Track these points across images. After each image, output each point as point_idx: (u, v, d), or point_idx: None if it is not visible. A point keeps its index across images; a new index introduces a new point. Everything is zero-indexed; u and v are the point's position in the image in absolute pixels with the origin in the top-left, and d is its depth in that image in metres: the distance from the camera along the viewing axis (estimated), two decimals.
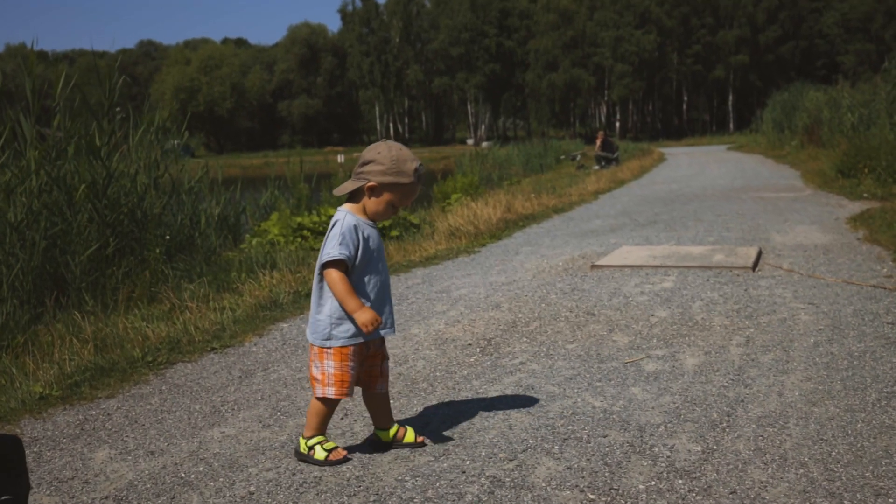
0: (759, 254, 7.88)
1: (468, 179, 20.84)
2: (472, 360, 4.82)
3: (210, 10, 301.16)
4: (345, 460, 3.33)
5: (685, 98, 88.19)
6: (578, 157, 34.48)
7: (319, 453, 3.32)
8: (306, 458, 3.34)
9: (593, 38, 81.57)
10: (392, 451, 3.45)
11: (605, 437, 3.53)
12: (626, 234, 10.17)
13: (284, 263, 8.12)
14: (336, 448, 3.36)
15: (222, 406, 4.17)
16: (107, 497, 3.10)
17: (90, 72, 7.87)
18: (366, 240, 3.27)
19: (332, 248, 3.21)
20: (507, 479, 3.12)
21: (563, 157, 37.02)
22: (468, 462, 3.29)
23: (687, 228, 10.46)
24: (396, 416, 3.88)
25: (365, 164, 3.27)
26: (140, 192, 8.09)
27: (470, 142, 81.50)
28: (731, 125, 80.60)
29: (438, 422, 3.78)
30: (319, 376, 3.30)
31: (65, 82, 8.08)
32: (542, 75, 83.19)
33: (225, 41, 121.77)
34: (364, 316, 3.15)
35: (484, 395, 4.14)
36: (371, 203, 3.30)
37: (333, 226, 3.27)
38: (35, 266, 6.64)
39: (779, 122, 35.68)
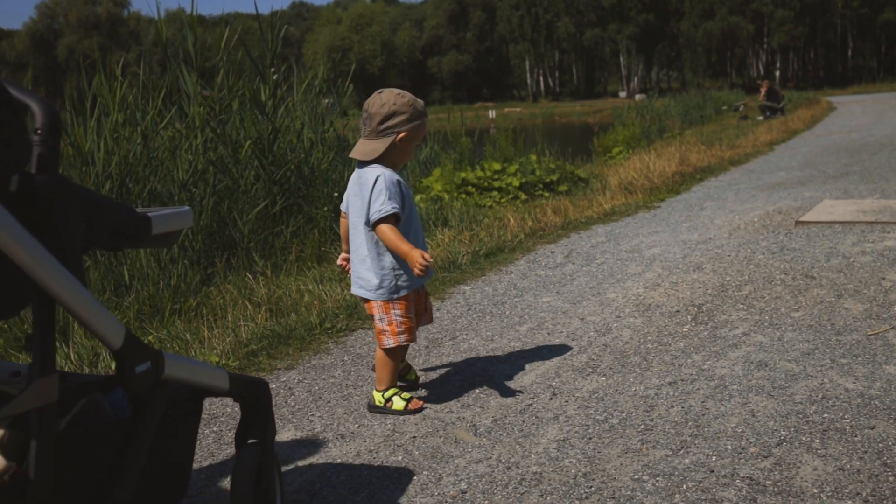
0: None
1: (629, 132, 20.05)
2: (684, 329, 4.25)
3: None
4: (422, 409, 3.38)
5: (850, 44, 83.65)
6: (741, 108, 33.05)
7: (398, 403, 3.38)
8: (383, 410, 3.38)
9: None
10: (619, 443, 2.92)
11: (872, 428, 2.93)
12: (819, 187, 9.30)
13: (456, 221, 7.68)
14: (413, 398, 3.42)
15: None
16: (298, 490, 2.71)
17: (247, 33, 7.66)
18: (406, 192, 3.33)
19: (382, 203, 3.23)
20: (769, 483, 2.57)
21: (724, 107, 35.59)
22: (714, 458, 2.74)
23: (887, 180, 9.50)
24: (613, 395, 3.37)
25: (387, 118, 3.30)
26: (307, 147, 7.77)
27: (623, 94, 79.47)
28: None
29: (665, 405, 3.24)
30: (388, 328, 3.34)
31: (227, 38, 7.83)
32: (698, 24, 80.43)
33: None
34: (418, 255, 3.13)
35: (710, 373, 3.58)
36: (399, 153, 3.34)
37: (375, 182, 3.25)
38: (204, 225, 6.39)
39: None
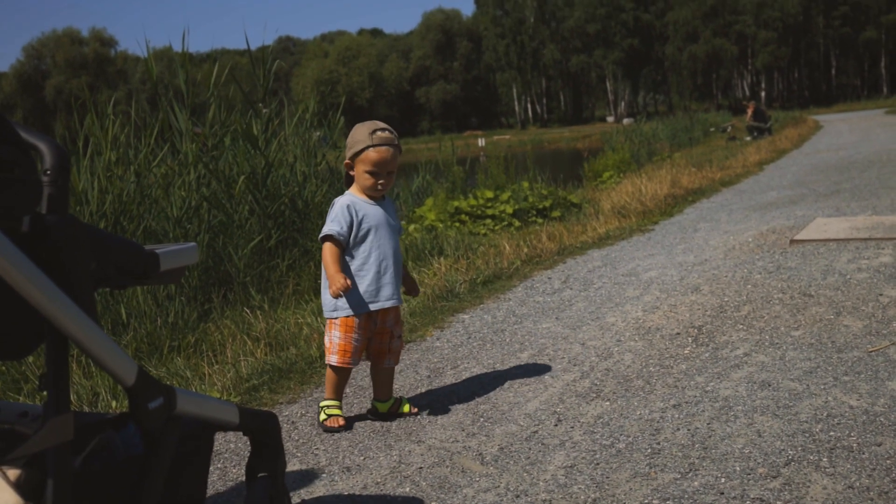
0: None
1: (619, 156, 20.16)
2: (686, 351, 4.26)
3: (345, 3, 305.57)
4: (338, 430, 3.51)
5: (833, 63, 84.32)
6: (729, 129, 33.27)
7: (321, 415, 3.56)
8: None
9: (734, 5, 78.95)
10: (627, 467, 2.92)
11: (878, 445, 2.93)
12: (811, 205, 9.35)
13: (452, 249, 7.69)
14: (336, 416, 3.55)
15: (417, 410, 3.73)
16: None
17: (235, 69, 7.77)
18: (359, 216, 3.47)
19: (325, 225, 3.47)
20: (778, 503, 2.57)
21: (712, 129, 35.82)
22: (723, 480, 2.74)
23: (878, 197, 9.55)
24: (619, 419, 3.36)
25: (348, 148, 3.53)
26: (300, 181, 7.79)
27: (610, 119, 79.97)
28: (885, 88, 76.50)
29: (671, 428, 3.24)
30: (328, 344, 3.53)
31: (217, 74, 7.87)
32: (683, 47, 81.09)
33: (361, 32, 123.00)
34: (336, 281, 3.30)
35: (714, 394, 3.58)
36: (358, 179, 3.51)
37: (332, 205, 3.54)
38: (200, 261, 6.39)
39: None
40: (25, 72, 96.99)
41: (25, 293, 1.44)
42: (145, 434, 1.81)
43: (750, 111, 29.58)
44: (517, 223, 10.06)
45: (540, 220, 10.19)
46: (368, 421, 3.64)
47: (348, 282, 3.31)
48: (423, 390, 4.02)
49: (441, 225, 9.94)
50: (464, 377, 4.17)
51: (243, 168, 7.32)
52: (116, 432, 1.83)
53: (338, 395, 3.61)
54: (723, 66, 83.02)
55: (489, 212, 10.34)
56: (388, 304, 3.54)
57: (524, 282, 6.42)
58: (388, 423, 3.60)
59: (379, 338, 3.59)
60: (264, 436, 2.22)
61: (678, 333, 4.58)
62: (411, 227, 9.86)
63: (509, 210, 10.31)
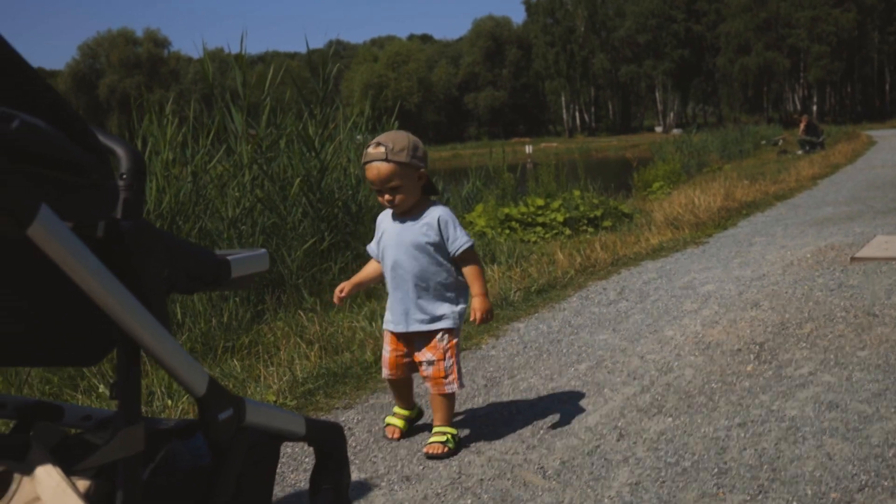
0: None
1: (669, 167, 20.00)
2: (748, 368, 4.15)
3: (395, 8, 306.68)
4: (391, 439, 3.51)
5: (888, 78, 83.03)
6: (780, 142, 32.88)
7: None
8: None
9: (787, 18, 78.01)
10: (694, 487, 2.83)
11: None
12: (868, 222, 9.15)
13: (504, 257, 7.62)
14: (388, 425, 3.58)
15: (474, 421, 3.68)
16: None
17: (286, 72, 7.81)
18: (380, 231, 3.45)
19: None
20: None
21: (763, 142, 35.46)
22: None
23: None
24: (682, 436, 3.28)
25: None
26: (353, 184, 7.77)
27: (659, 129, 79.34)
28: None
29: (737, 448, 3.15)
30: None
31: (272, 76, 7.89)
32: (734, 59, 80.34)
33: (411, 37, 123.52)
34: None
35: (780, 414, 3.48)
36: None
37: None
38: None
39: None
40: (80, 70, 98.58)
41: (99, 299, 1.41)
42: (213, 445, 1.77)
43: (802, 125, 29.17)
44: (568, 232, 9.97)
45: (591, 230, 10.09)
46: (428, 431, 3.59)
47: (339, 294, 3.46)
48: (480, 399, 3.96)
49: (491, 231, 9.89)
50: (521, 387, 4.11)
51: (298, 170, 7.31)
52: (184, 442, 1.80)
53: (396, 402, 3.62)
54: (774, 79, 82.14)
55: (540, 220, 10.26)
56: (390, 327, 3.43)
57: (579, 292, 6.34)
58: None
59: (416, 360, 3.41)
60: (330, 447, 2.18)
61: (739, 350, 4.48)
62: None
63: (560, 218, 10.23)
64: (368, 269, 3.53)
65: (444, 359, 3.33)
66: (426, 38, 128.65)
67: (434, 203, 3.37)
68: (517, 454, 3.24)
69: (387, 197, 3.24)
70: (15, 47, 1.35)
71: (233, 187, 7.15)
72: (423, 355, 3.36)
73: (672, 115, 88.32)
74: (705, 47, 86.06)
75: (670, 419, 3.51)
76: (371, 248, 3.50)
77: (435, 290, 3.33)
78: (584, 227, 10.21)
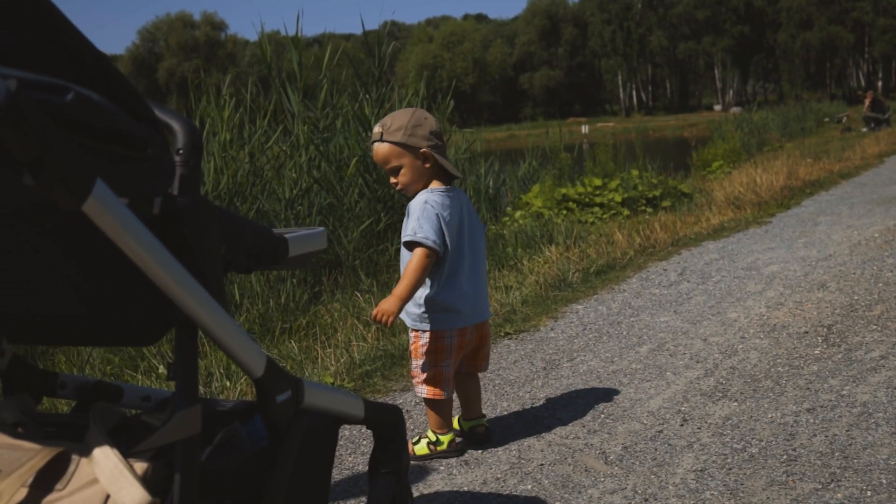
0: None
1: (729, 145, 19.63)
2: (816, 352, 4.04)
3: None
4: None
5: None
6: (844, 120, 32.14)
7: None
8: None
9: None
10: (762, 474, 2.75)
11: None
12: None
13: (562, 237, 7.53)
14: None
15: (533, 404, 3.62)
16: None
17: (342, 54, 7.79)
18: None
19: None
20: None
21: (826, 119, 34.67)
22: (869, 493, 2.55)
23: None
24: (749, 422, 3.19)
25: None
26: None
27: (718, 108, 78.09)
28: None
29: (806, 434, 3.05)
30: None
31: (328, 57, 7.87)
32: (796, 34, 78.71)
33: (466, 17, 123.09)
34: None
35: (851, 399, 3.37)
36: None
37: None
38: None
39: None
40: (140, 54, 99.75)
41: (156, 278, 1.38)
42: (271, 427, 1.73)
43: (868, 101, 28.56)
44: (626, 212, 9.83)
45: (650, 210, 9.95)
46: (494, 419, 3.54)
47: None
48: (539, 382, 3.90)
49: (548, 212, 9.78)
50: (581, 370, 4.04)
51: (355, 151, 7.28)
52: (242, 424, 1.76)
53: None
54: (837, 54, 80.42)
55: (597, 200, 10.13)
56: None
57: (639, 273, 6.23)
58: (508, 417, 3.49)
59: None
60: (389, 430, 2.13)
61: (806, 332, 4.36)
62: (517, 214, 9.74)
63: (618, 198, 10.09)
64: None
65: (413, 358, 3.07)
66: (481, 18, 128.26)
67: (441, 189, 2.99)
68: (578, 438, 3.17)
69: (392, 180, 3.02)
70: (71, 20, 1.31)
71: (290, 168, 7.16)
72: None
73: (731, 92, 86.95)
74: (766, 22, 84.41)
75: (735, 404, 3.42)
76: None
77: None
78: (643, 208, 10.07)
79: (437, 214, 2.90)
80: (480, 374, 3.34)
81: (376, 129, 2.98)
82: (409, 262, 2.89)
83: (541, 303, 5.41)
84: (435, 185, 3.00)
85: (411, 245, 2.91)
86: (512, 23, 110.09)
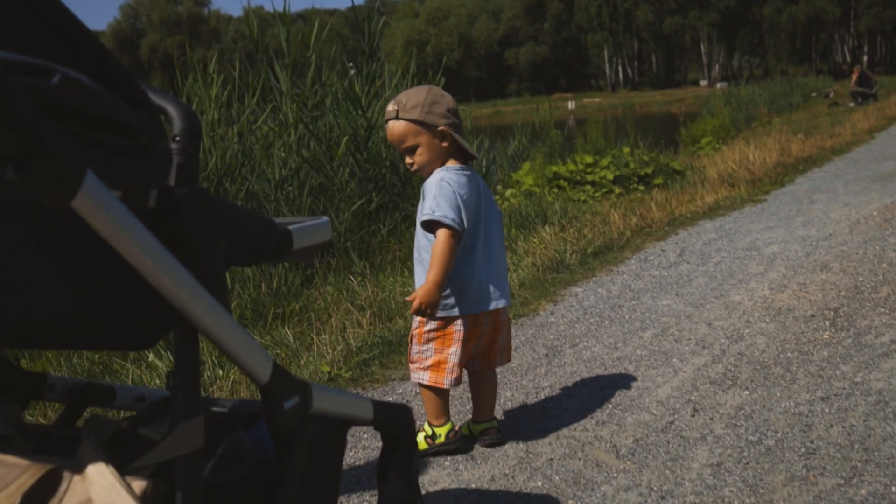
0: None
1: (718, 121, 19.53)
2: (825, 336, 3.94)
3: None
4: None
5: None
6: (831, 94, 32.07)
7: None
8: None
9: None
10: (781, 469, 2.65)
11: None
12: None
13: (556, 217, 7.41)
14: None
15: (537, 394, 3.50)
16: None
17: (329, 30, 7.59)
18: None
19: None
20: None
21: (813, 94, 34.58)
22: (894, 489, 2.46)
23: None
24: (762, 411, 3.08)
25: None
26: None
27: (704, 83, 77.93)
28: None
29: (823, 425, 2.95)
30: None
31: (317, 32, 7.69)
32: (782, 8, 78.65)
33: None
34: None
35: (865, 386, 3.27)
36: None
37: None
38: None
39: None
40: (122, 30, 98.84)
41: (151, 277, 1.25)
42: (278, 435, 1.61)
43: (855, 76, 28.49)
44: (618, 190, 9.72)
45: (642, 188, 9.85)
46: (498, 410, 3.42)
47: None
48: (543, 370, 3.79)
49: (539, 190, 9.67)
50: (584, 357, 3.92)
51: (345, 129, 7.13)
52: (247, 432, 1.64)
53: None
54: (823, 28, 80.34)
55: (589, 178, 10.02)
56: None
57: (637, 254, 6.12)
58: (512, 409, 3.38)
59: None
60: (398, 432, 2.01)
61: (813, 316, 4.26)
62: (508, 192, 9.64)
63: (610, 176, 9.97)
64: None
65: (416, 343, 2.90)
66: None
67: (457, 168, 2.82)
68: (587, 431, 3.06)
69: (407, 160, 2.85)
70: None
71: (279, 147, 6.99)
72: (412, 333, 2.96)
73: (717, 67, 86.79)
74: None
75: (747, 392, 3.31)
76: None
77: (418, 268, 2.92)
78: (635, 186, 9.96)
79: (454, 192, 2.73)
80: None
81: (390, 106, 2.80)
82: (435, 246, 2.70)
83: (539, 286, 5.30)
84: (451, 163, 2.83)
85: (430, 225, 2.74)
86: None
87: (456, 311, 2.82)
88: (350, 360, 3.97)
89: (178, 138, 1.42)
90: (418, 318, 2.86)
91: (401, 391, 3.62)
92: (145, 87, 1.41)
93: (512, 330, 4.27)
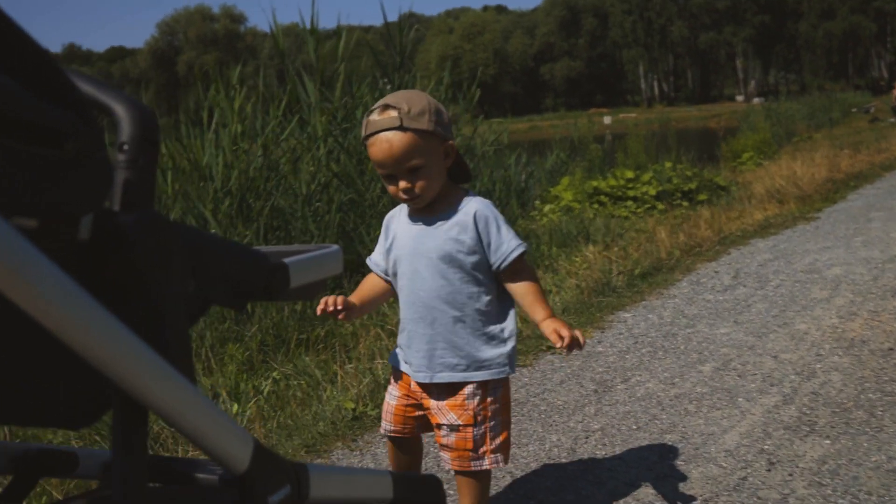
0: None
1: (759, 136, 19.09)
2: None
3: None
4: None
5: None
6: (872, 110, 31.57)
7: None
8: None
9: None
10: None
11: None
12: None
13: (600, 235, 6.99)
14: None
15: (587, 439, 3.09)
16: None
17: (358, 45, 7.29)
18: (389, 237, 2.33)
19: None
20: None
21: (854, 109, 34.08)
22: None
23: None
24: (849, 466, 2.66)
25: None
26: None
27: (740, 98, 77.10)
28: None
29: None
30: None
31: (345, 46, 7.38)
32: (817, 24, 77.73)
33: (485, 8, 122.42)
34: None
35: None
36: None
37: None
38: (331, 243, 5.89)
39: None
40: (159, 48, 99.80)
41: (77, 343, 0.87)
42: None
43: (895, 91, 28.03)
44: (661, 206, 9.31)
45: (685, 204, 9.43)
46: (524, 441, 3.02)
47: (331, 308, 2.20)
48: (592, 409, 3.38)
49: (578, 206, 9.29)
50: (638, 394, 3.51)
51: None
52: None
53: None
54: (860, 44, 79.30)
55: (630, 193, 9.62)
56: (405, 369, 2.29)
57: (688, 275, 5.70)
58: (560, 456, 2.97)
59: (430, 417, 2.27)
60: None
61: (891, 349, 3.82)
62: (546, 208, 9.28)
63: (652, 192, 9.56)
64: (372, 287, 2.36)
65: (475, 424, 2.17)
66: (501, 9, 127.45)
67: (468, 193, 2.20)
68: (646, 486, 2.65)
69: (403, 184, 2.07)
70: None
71: (307, 161, 6.66)
72: (444, 415, 2.20)
73: (753, 83, 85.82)
74: (787, 12, 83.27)
75: (828, 442, 2.89)
76: (374, 259, 2.37)
77: (472, 323, 2.17)
78: (678, 201, 9.54)
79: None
80: (520, 400, 2.76)
81: (384, 114, 2.04)
82: (529, 279, 2.16)
83: (584, 310, 4.89)
84: (454, 188, 2.21)
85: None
86: (532, 14, 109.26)
87: (509, 370, 2.23)
88: (377, 395, 3.57)
89: (125, 147, 1.04)
90: (482, 391, 2.18)
91: (429, 439, 3.21)
92: (79, 77, 1.04)
93: (556, 361, 3.89)
